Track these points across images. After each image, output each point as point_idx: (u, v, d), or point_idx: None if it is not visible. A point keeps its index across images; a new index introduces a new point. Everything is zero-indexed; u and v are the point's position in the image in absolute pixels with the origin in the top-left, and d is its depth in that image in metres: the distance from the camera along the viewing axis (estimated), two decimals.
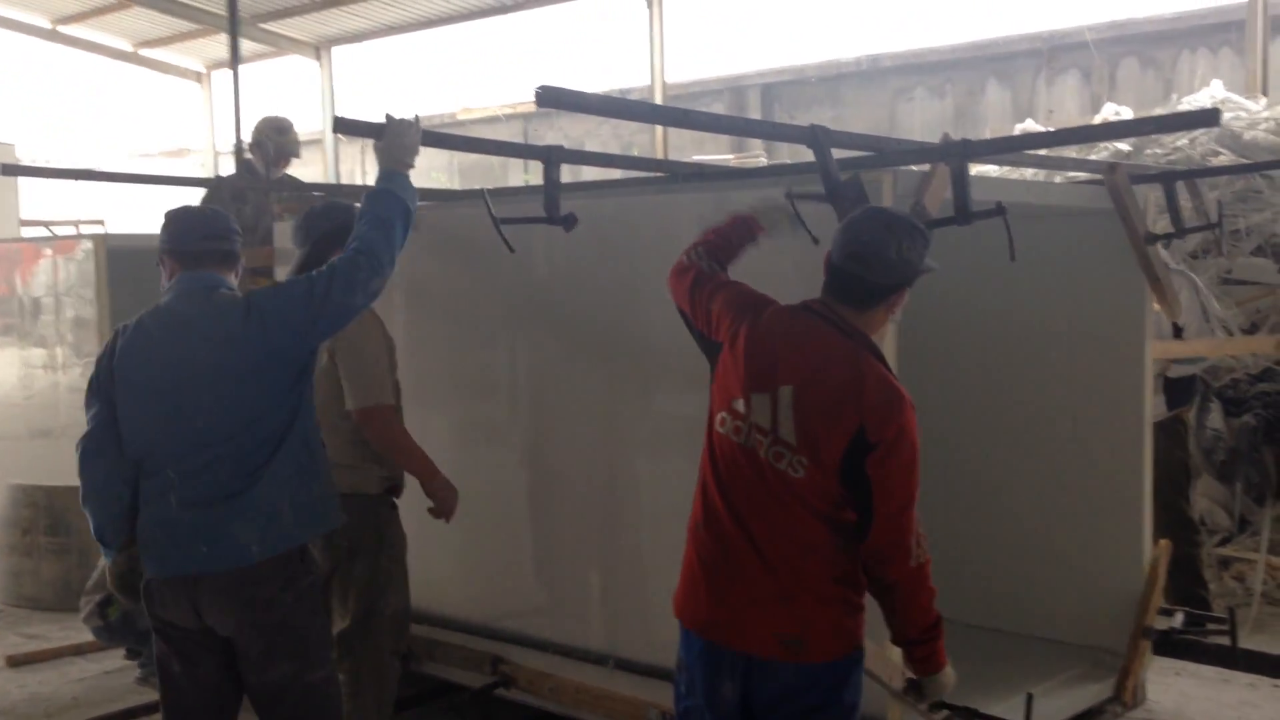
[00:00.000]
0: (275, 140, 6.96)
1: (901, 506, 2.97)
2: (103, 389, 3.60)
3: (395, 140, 3.65)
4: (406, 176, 3.65)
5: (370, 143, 3.73)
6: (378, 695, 4.34)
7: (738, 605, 3.10)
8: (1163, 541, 4.99)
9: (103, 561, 3.78)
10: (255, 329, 3.46)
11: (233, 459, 3.48)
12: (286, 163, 7.07)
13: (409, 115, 3.71)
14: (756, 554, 3.07)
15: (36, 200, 15.49)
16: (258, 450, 3.49)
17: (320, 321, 3.50)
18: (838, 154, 4.72)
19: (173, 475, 3.48)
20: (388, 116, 3.66)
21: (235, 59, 5.85)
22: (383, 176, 3.64)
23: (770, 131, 4.55)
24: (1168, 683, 5.32)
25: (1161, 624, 4.87)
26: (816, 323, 3.11)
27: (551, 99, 3.08)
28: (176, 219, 3.69)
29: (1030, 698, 3.98)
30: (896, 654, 3.83)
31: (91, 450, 3.61)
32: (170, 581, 3.50)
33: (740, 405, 3.10)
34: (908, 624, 3.04)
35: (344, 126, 3.86)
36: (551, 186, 4.15)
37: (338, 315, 3.52)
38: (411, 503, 5.26)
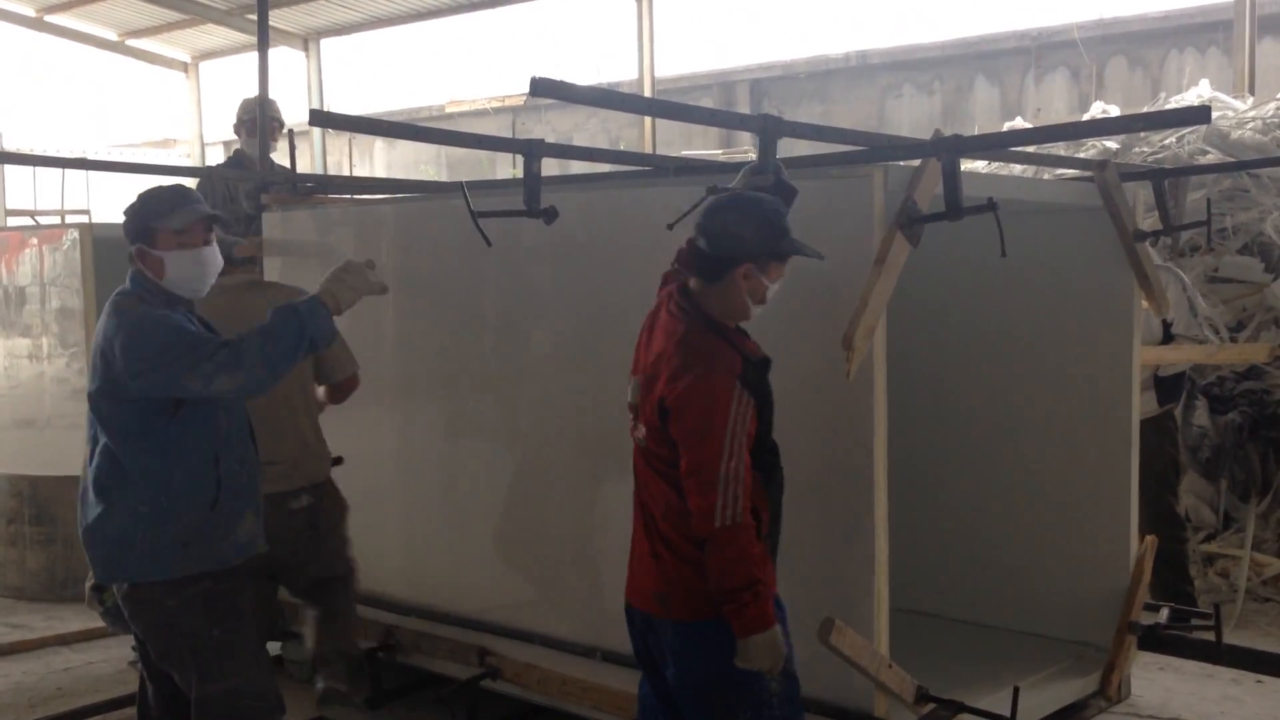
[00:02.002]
0: (255, 113, 6.82)
1: (696, 465, 3.09)
2: None
3: (341, 275, 3.58)
4: (328, 312, 3.51)
5: (356, 138, 3.72)
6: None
7: (634, 566, 3.42)
8: (1149, 537, 5.01)
9: None
10: (104, 353, 3.47)
11: (93, 471, 3.57)
12: (275, 135, 6.92)
13: (366, 260, 3.66)
14: (641, 519, 3.38)
15: (21, 189, 15.43)
16: (108, 471, 3.54)
17: (137, 377, 3.40)
18: (830, 149, 4.74)
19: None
20: (349, 261, 3.63)
21: (264, 40, 5.80)
22: (309, 298, 3.54)
23: (725, 121, 4.73)
24: (1152, 678, 5.35)
25: (1147, 619, 4.89)
26: (669, 303, 3.36)
27: (546, 90, 3.08)
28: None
29: (1017, 691, 3.99)
30: (884, 645, 3.87)
31: None
32: None
33: (628, 391, 3.42)
34: (713, 580, 3.13)
35: (320, 119, 3.85)
36: (532, 180, 4.14)
37: (160, 383, 3.41)
38: (400, 495, 5.26)
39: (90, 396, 3.54)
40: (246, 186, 5.92)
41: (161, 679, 3.75)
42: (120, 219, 3.66)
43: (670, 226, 3.63)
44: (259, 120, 6.13)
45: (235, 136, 7.01)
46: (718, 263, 3.24)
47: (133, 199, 3.64)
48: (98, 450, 3.54)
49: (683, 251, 3.56)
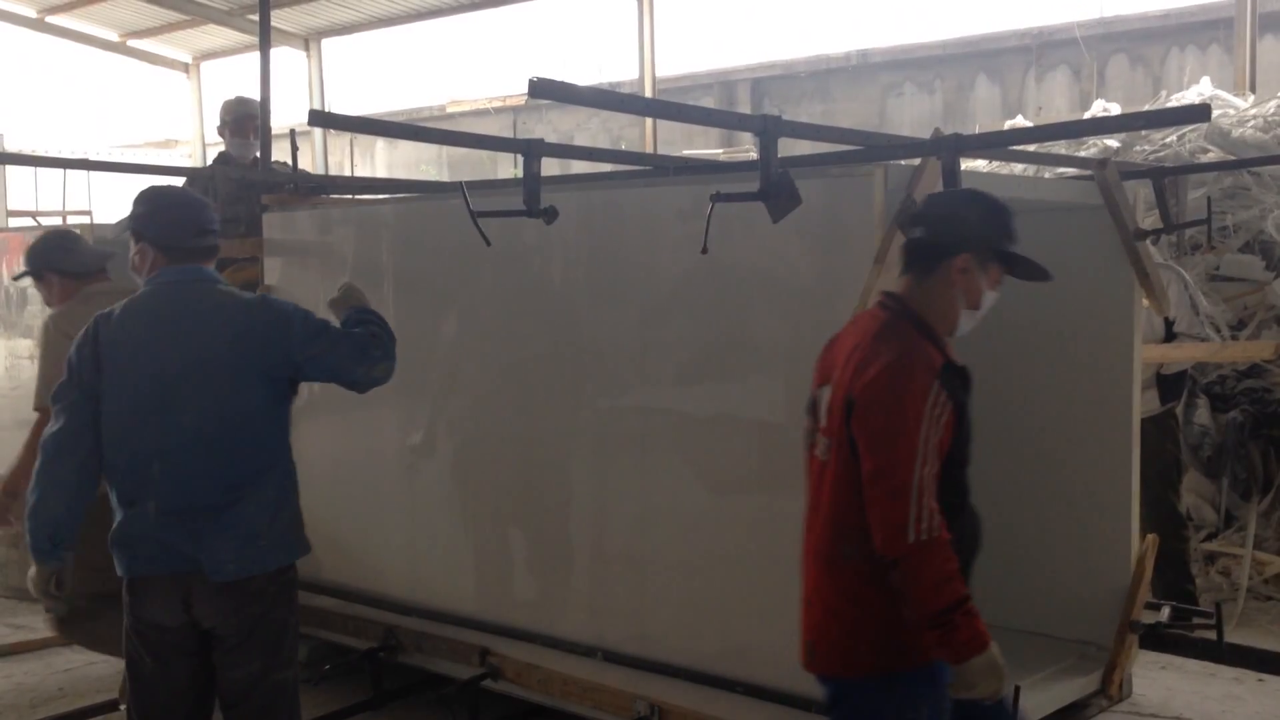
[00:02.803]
0: (237, 112, 6.83)
1: (880, 470, 2.75)
2: (85, 380, 3.48)
3: (351, 293, 3.78)
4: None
5: (357, 137, 3.77)
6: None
7: (801, 609, 3.08)
8: (1150, 536, 5.01)
9: (36, 569, 3.50)
10: (261, 331, 3.47)
11: (215, 466, 3.44)
12: (255, 133, 6.90)
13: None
14: (804, 557, 3.07)
15: (23, 190, 15.43)
16: (241, 463, 3.46)
17: (308, 359, 3.48)
18: (827, 149, 4.74)
19: (156, 476, 3.42)
20: (348, 283, 3.84)
21: (265, 40, 5.83)
22: (362, 307, 3.71)
23: (725, 121, 4.75)
24: (1154, 676, 5.34)
25: (1148, 618, 4.88)
26: (875, 306, 3.08)
27: (544, 90, 3.07)
28: (165, 209, 3.61)
29: (1018, 690, 3.98)
30: None
31: (66, 446, 3.47)
32: (161, 577, 3.46)
33: (816, 412, 3.09)
34: (914, 605, 2.75)
35: (320, 119, 3.86)
36: (531, 179, 4.13)
37: (326, 369, 3.53)
38: (401, 495, 5.26)
39: (204, 395, 3.43)
40: (230, 186, 5.95)
41: (173, 672, 3.54)
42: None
43: (705, 250, 3.56)
44: (260, 121, 6.13)
45: (220, 138, 6.99)
46: (934, 251, 2.95)
47: (165, 200, 3.68)
48: (209, 458, 3.43)
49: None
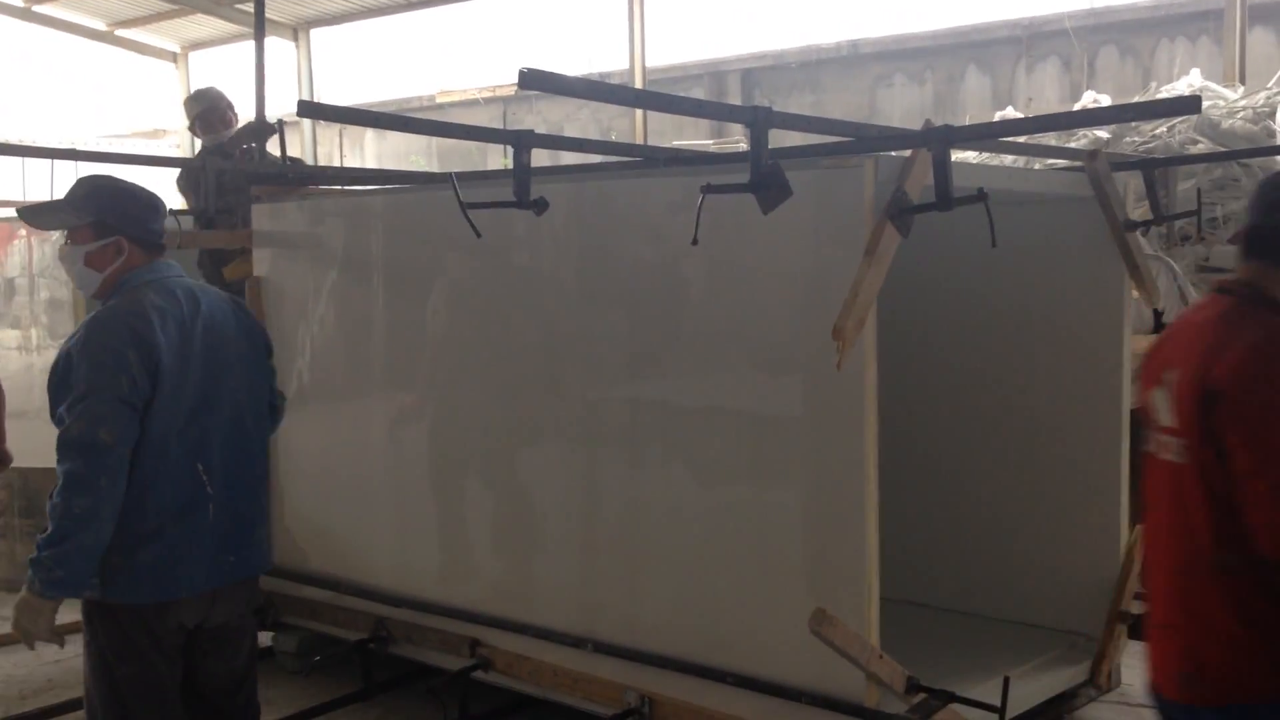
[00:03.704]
0: (197, 109, 6.83)
1: (1261, 465, 2.43)
2: (140, 390, 3.24)
3: None
4: None
5: (346, 128, 3.81)
6: None
7: (1150, 634, 2.81)
8: (1139, 526, 5.01)
9: (54, 606, 3.25)
10: (257, 327, 3.70)
11: (249, 458, 3.53)
12: (232, 123, 6.90)
13: None
14: (1154, 575, 2.79)
15: (10, 180, 15.37)
16: (262, 454, 3.63)
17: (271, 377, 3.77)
18: (818, 140, 4.74)
19: (203, 476, 3.35)
20: None
21: (260, 30, 5.82)
22: None
23: (715, 112, 4.76)
24: (1142, 667, 5.34)
25: (1137, 608, 4.89)
26: (1212, 295, 2.80)
27: (534, 81, 3.06)
28: (137, 202, 3.46)
29: (1007, 681, 4.00)
30: (874, 635, 3.86)
31: (123, 470, 3.21)
32: (200, 595, 3.43)
33: (1153, 415, 2.79)
34: None
35: (308, 110, 3.86)
36: (521, 171, 4.12)
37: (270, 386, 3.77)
38: (391, 486, 5.25)
39: (235, 387, 3.54)
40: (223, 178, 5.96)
41: (175, 670, 3.53)
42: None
43: (695, 241, 3.53)
44: (256, 114, 6.12)
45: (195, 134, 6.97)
46: None
47: (132, 191, 3.50)
48: (245, 454, 3.53)
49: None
